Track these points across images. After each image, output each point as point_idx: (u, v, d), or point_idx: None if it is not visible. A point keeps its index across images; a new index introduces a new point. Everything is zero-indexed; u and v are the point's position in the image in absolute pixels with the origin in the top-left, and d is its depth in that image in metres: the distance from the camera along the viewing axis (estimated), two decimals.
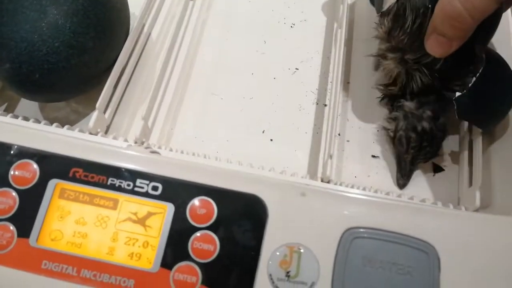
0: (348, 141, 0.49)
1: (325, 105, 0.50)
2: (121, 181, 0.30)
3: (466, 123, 0.48)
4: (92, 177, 0.31)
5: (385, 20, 0.45)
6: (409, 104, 0.45)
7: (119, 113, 0.47)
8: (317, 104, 0.51)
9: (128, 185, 0.31)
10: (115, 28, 0.44)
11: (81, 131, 0.42)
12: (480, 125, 0.44)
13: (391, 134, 0.47)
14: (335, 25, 0.55)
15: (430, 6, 0.39)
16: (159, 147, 0.42)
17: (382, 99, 0.49)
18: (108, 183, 0.31)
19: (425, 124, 0.44)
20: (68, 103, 0.48)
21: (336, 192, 0.32)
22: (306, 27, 0.56)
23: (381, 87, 0.49)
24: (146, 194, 0.30)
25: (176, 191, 0.30)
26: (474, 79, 0.39)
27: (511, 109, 0.43)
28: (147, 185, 0.30)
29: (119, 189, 0.30)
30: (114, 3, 0.44)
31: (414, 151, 0.44)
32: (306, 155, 0.48)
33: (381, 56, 0.48)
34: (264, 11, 0.57)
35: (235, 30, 0.55)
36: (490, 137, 0.45)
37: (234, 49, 0.54)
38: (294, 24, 0.56)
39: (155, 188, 0.30)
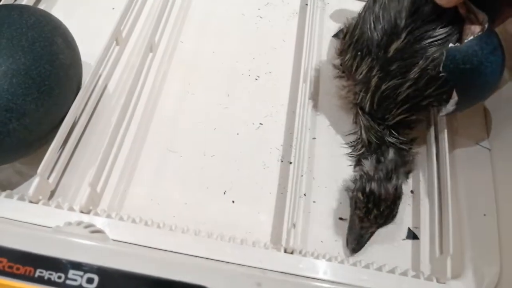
0: (314, 202, 0.46)
1: (290, 163, 0.48)
2: (51, 272, 0.27)
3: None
4: (18, 269, 0.27)
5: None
6: (367, 164, 0.44)
7: (66, 175, 0.44)
8: (282, 161, 0.48)
9: (59, 277, 0.27)
10: (62, 86, 0.41)
11: (21, 198, 0.38)
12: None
13: (350, 195, 0.45)
14: (301, 78, 0.53)
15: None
16: (108, 215, 0.39)
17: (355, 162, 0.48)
18: (36, 275, 0.27)
19: (374, 185, 0.42)
20: (11, 164, 0.44)
21: (296, 280, 0.29)
22: (271, 79, 0.54)
23: (346, 145, 0.48)
24: None
25: (115, 284, 0.27)
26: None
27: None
28: (81, 277, 0.27)
29: (49, 282, 0.27)
30: (63, 59, 0.41)
31: (361, 213, 0.42)
32: (270, 218, 0.45)
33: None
34: (228, 63, 0.55)
35: (197, 83, 0.53)
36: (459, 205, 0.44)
37: (196, 103, 0.51)
38: (258, 77, 0.54)
39: (90, 281, 0.27)
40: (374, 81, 0.42)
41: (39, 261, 0.27)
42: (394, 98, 0.42)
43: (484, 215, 0.43)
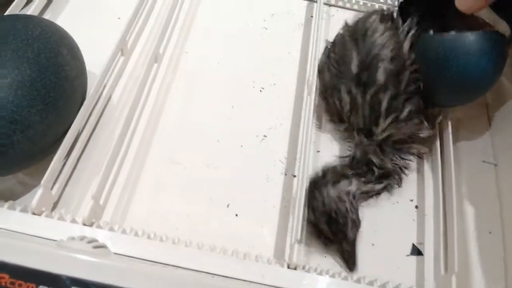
0: None
1: (294, 176, 0.48)
2: None
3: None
4: (20, 285, 0.27)
5: None
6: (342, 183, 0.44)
7: (70, 186, 0.43)
8: (286, 175, 0.48)
9: None
10: (67, 97, 0.41)
11: (23, 210, 0.38)
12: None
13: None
14: (305, 90, 0.53)
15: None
16: (111, 228, 0.39)
17: None
18: None
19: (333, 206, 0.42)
20: (14, 174, 0.44)
21: None
22: (276, 91, 0.54)
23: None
24: None
25: None
26: None
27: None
28: None
29: None
30: (68, 71, 0.41)
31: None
32: (274, 232, 0.44)
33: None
34: (233, 74, 0.55)
35: (202, 94, 0.53)
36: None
37: (200, 114, 0.51)
38: (263, 88, 0.54)
39: None
40: (358, 98, 0.45)
41: (41, 277, 0.27)
42: (378, 107, 0.44)
43: (490, 232, 0.43)
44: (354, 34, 0.48)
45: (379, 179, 0.45)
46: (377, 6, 0.63)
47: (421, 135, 0.46)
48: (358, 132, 0.46)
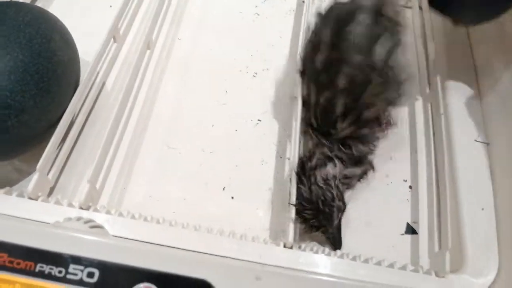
0: None
1: (288, 159, 0.48)
2: (51, 267, 0.27)
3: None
4: (18, 263, 0.27)
5: None
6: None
7: (66, 172, 0.44)
8: (281, 158, 0.48)
9: (60, 272, 0.27)
10: (61, 83, 0.41)
11: (20, 195, 0.38)
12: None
13: None
14: (297, 75, 0.53)
15: None
16: (108, 211, 0.39)
17: None
18: (37, 269, 0.27)
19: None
20: (10, 161, 0.44)
21: (295, 274, 0.29)
22: (269, 76, 0.54)
23: None
24: (81, 282, 0.27)
25: (115, 278, 0.27)
26: None
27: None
28: (82, 271, 0.27)
29: (49, 277, 0.27)
30: (61, 56, 0.41)
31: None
32: (269, 214, 0.45)
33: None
34: (225, 60, 0.55)
35: (195, 80, 0.53)
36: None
37: (194, 100, 0.52)
38: (256, 73, 0.55)
39: (91, 275, 0.27)
40: (312, 96, 0.43)
41: (39, 255, 0.27)
42: (332, 110, 0.42)
43: (482, 209, 0.43)
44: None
45: (356, 164, 0.44)
46: None
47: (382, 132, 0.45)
48: (314, 131, 0.44)
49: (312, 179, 0.41)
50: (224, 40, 0.57)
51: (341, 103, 0.41)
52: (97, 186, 0.42)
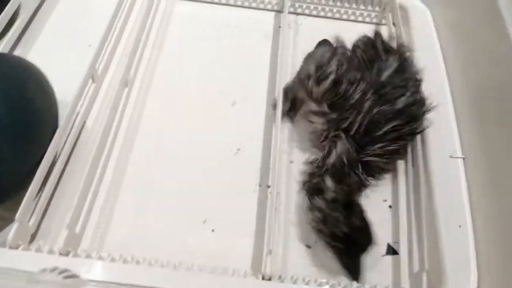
0: (293, 224, 0.47)
1: (268, 187, 0.49)
2: None
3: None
4: None
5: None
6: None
7: (47, 217, 0.44)
8: (260, 186, 0.49)
9: None
10: (38, 131, 0.42)
11: (1, 244, 0.39)
12: None
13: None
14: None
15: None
16: (88, 255, 0.40)
17: None
18: None
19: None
20: None
21: None
22: (247, 104, 0.55)
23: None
24: None
25: None
26: None
27: None
28: None
29: None
30: (37, 104, 0.42)
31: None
32: (251, 245, 0.45)
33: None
34: (205, 90, 0.56)
35: (175, 114, 0.54)
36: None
37: (174, 133, 0.52)
38: (235, 102, 0.55)
39: None
40: (367, 104, 0.45)
41: None
42: (381, 126, 0.44)
43: (460, 226, 0.44)
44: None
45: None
46: (342, 11, 0.64)
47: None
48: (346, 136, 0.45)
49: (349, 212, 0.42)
50: (203, 71, 0.58)
51: (391, 124, 0.44)
52: (77, 230, 0.42)
